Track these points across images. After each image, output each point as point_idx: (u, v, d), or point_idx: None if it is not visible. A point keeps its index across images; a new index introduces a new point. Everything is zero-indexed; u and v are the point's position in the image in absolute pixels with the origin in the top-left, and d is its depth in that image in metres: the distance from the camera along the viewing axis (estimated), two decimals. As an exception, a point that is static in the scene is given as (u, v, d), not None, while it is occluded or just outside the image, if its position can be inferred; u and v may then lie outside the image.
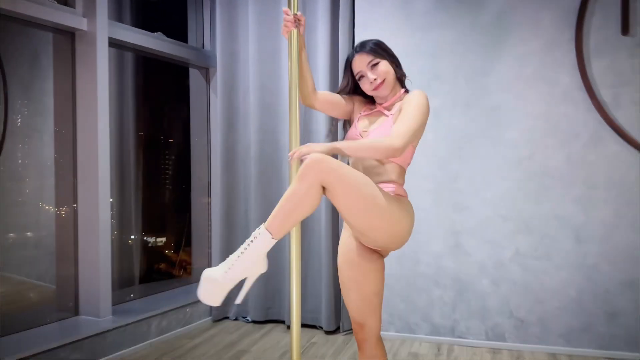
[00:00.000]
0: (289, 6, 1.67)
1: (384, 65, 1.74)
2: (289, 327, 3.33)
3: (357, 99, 1.88)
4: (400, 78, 1.81)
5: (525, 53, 2.95)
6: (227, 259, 1.51)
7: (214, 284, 1.49)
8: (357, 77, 1.79)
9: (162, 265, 4.05)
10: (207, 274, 1.51)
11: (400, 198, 1.69)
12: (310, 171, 1.47)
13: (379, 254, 1.72)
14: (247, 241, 1.51)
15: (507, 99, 2.98)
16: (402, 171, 1.75)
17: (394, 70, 1.77)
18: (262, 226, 1.52)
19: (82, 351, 2.67)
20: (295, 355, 1.65)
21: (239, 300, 1.59)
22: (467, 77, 3.04)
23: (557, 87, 2.91)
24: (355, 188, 1.52)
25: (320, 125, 3.33)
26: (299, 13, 1.67)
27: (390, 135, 1.60)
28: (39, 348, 2.49)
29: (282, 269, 3.42)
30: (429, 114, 1.71)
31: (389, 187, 1.69)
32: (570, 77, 2.88)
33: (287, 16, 1.66)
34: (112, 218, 3.50)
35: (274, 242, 1.52)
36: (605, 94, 2.82)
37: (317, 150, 1.53)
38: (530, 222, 2.94)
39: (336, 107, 1.84)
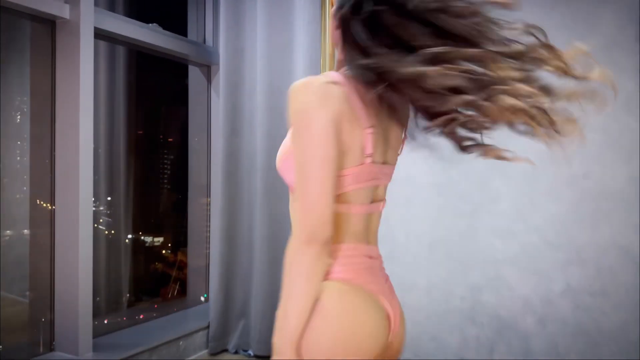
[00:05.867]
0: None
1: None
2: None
3: None
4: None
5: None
6: None
7: None
8: None
9: (154, 291, 3.63)
10: None
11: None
12: None
13: None
14: None
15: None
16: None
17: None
18: None
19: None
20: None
21: None
22: (513, 81, 2.63)
23: (619, 94, 2.49)
24: None
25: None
26: None
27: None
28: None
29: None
30: (311, 119, 0.96)
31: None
32: (634, 82, 2.48)
33: None
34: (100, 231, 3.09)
35: None
36: (677, 104, 2.41)
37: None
38: (585, 252, 2.53)
39: None
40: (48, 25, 2.59)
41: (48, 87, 2.60)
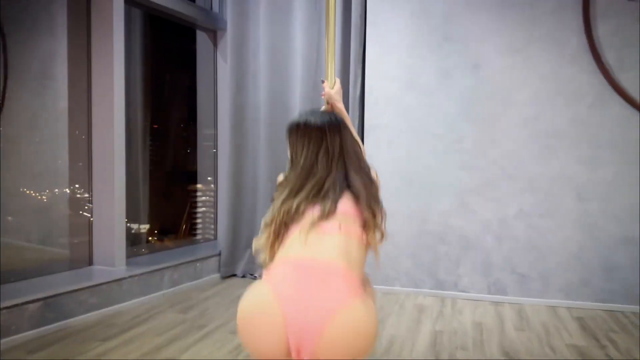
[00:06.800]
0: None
1: None
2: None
3: None
4: None
5: (536, 15, 3.01)
6: None
7: None
8: None
9: (168, 227, 4.11)
10: None
11: None
12: None
13: None
14: None
15: (517, 60, 3.05)
16: None
17: None
18: None
19: (99, 296, 2.73)
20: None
21: None
22: (478, 39, 3.10)
23: (566, 49, 2.98)
24: None
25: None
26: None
27: None
28: (56, 290, 2.56)
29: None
30: None
31: None
32: (577, 38, 2.96)
33: None
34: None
35: None
36: (610, 57, 2.90)
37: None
38: (535, 181, 3.04)
39: None
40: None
41: (84, 40, 3.02)
